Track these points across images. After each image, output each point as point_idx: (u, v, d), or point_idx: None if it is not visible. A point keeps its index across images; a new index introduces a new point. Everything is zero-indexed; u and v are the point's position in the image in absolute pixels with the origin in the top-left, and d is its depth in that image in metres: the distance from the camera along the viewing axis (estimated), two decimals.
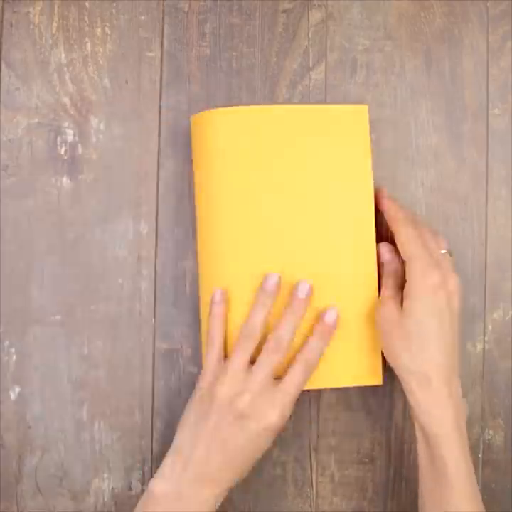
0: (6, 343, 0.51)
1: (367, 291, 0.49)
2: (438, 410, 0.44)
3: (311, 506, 0.52)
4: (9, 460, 0.51)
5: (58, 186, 0.52)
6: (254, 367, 0.46)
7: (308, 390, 0.52)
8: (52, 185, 0.52)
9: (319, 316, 0.48)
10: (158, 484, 0.45)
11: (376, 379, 0.49)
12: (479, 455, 0.52)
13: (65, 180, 0.52)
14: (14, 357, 0.51)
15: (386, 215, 0.49)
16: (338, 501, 0.52)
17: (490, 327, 0.52)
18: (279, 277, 0.47)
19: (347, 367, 0.49)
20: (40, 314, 0.51)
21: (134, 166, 0.52)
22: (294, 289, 0.48)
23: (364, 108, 0.49)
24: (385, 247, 0.49)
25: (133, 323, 0.52)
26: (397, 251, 0.48)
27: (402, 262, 0.47)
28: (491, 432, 0.52)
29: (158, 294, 0.52)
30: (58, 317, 0.52)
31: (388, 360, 0.47)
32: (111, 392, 0.52)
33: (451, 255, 0.48)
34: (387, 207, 0.49)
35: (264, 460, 0.52)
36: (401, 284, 0.47)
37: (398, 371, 0.46)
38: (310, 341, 0.47)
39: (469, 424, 0.52)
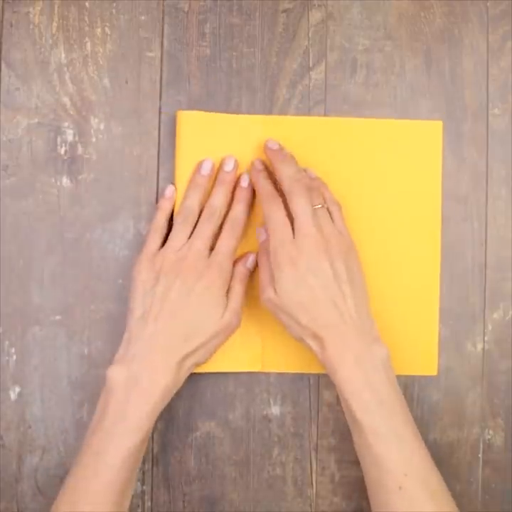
0: (6, 343, 0.51)
1: (428, 288, 0.51)
2: (338, 368, 0.45)
3: (311, 506, 0.52)
4: (9, 460, 0.51)
5: (58, 186, 0.52)
6: (192, 237, 0.48)
7: (309, 390, 0.52)
8: (52, 185, 0.52)
9: (237, 184, 0.51)
10: (113, 370, 0.46)
11: (431, 369, 0.51)
12: (479, 455, 0.52)
13: (65, 180, 0.52)
14: (14, 357, 0.51)
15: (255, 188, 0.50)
16: (338, 501, 0.52)
17: (490, 327, 0.52)
18: (213, 164, 0.50)
19: (404, 356, 0.51)
20: (40, 314, 0.51)
21: (134, 166, 0.52)
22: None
23: (438, 124, 0.51)
24: (260, 229, 0.50)
25: None
26: None
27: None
28: (491, 432, 0.52)
29: None
30: (58, 317, 0.52)
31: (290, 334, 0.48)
32: None
33: (331, 206, 0.48)
34: (255, 180, 0.50)
35: (264, 460, 0.52)
36: None
37: (301, 342, 0.47)
38: (232, 206, 0.50)
39: (469, 424, 0.52)
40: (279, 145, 0.50)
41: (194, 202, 0.49)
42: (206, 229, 0.48)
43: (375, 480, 0.44)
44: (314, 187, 0.48)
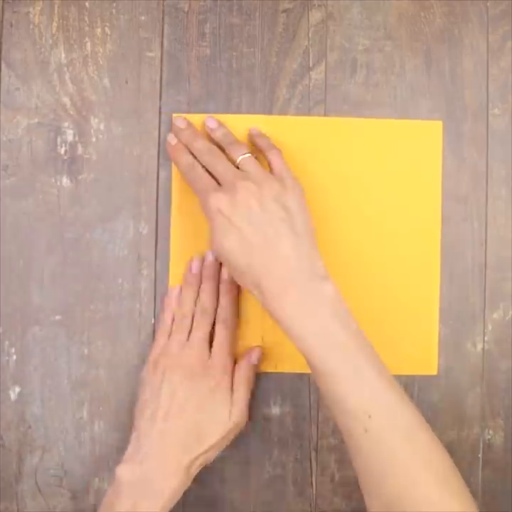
0: (6, 343, 0.51)
1: (428, 287, 0.51)
2: (279, 312, 0.43)
3: (311, 506, 0.52)
4: (9, 460, 0.51)
5: (58, 186, 0.52)
6: (190, 337, 0.49)
7: (309, 390, 0.52)
8: (52, 185, 0.52)
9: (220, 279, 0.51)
10: (123, 469, 0.45)
11: (431, 369, 0.51)
12: (479, 455, 0.52)
13: (65, 180, 0.52)
14: (14, 357, 0.51)
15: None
16: (338, 501, 0.52)
17: (490, 327, 0.52)
18: (202, 261, 0.51)
19: (404, 356, 0.51)
20: (40, 314, 0.51)
21: (134, 166, 0.52)
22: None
23: (438, 124, 0.52)
24: None
25: (133, 323, 0.52)
26: None
27: None
28: (491, 431, 0.52)
29: (158, 294, 0.52)
30: (58, 317, 0.52)
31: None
32: (111, 392, 0.52)
33: (268, 152, 0.48)
34: (173, 157, 0.50)
35: (264, 460, 0.52)
36: None
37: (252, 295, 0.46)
38: (220, 302, 0.50)
39: (469, 424, 0.52)
40: (187, 123, 0.50)
41: (187, 301, 0.50)
42: (202, 326, 0.49)
43: (343, 426, 0.42)
44: (232, 141, 0.48)
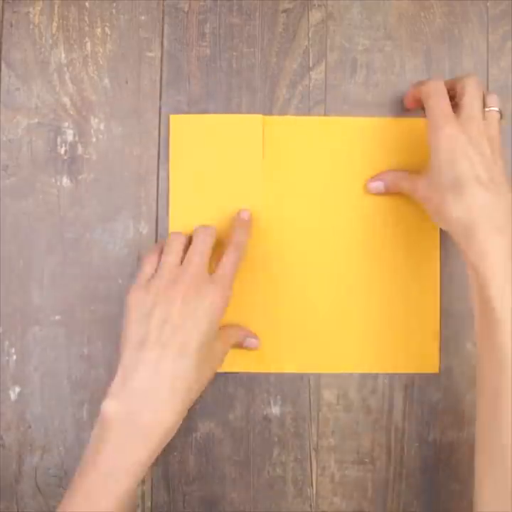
0: (6, 343, 0.51)
1: (429, 285, 0.51)
2: (486, 257, 0.42)
3: (311, 506, 0.52)
4: (9, 460, 0.51)
5: (58, 186, 0.52)
6: (188, 254, 0.46)
7: (309, 390, 0.52)
8: (52, 185, 0.52)
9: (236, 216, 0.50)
10: (109, 405, 0.41)
11: (433, 367, 0.51)
12: None
13: (65, 180, 0.52)
14: (14, 357, 0.51)
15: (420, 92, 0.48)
16: (338, 501, 0.52)
17: None
18: (214, 229, 0.48)
19: (405, 354, 0.51)
20: (40, 314, 0.51)
21: (134, 166, 0.52)
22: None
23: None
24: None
25: None
26: None
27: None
28: None
29: None
30: (58, 317, 0.52)
31: (436, 221, 0.46)
32: None
33: (501, 116, 0.47)
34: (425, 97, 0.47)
35: (264, 460, 0.52)
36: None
37: (446, 226, 0.45)
38: (233, 231, 0.49)
39: (469, 424, 0.52)
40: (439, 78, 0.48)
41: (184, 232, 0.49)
42: (203, 242, 0.46)
43: (494, 385, 0.40)
44: (491, 93, 0.47)
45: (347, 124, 0.52)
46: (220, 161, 0.52)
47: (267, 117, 0.52)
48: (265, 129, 0.51)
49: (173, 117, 0.52)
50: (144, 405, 0.41)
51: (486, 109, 0.46)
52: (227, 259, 0.47)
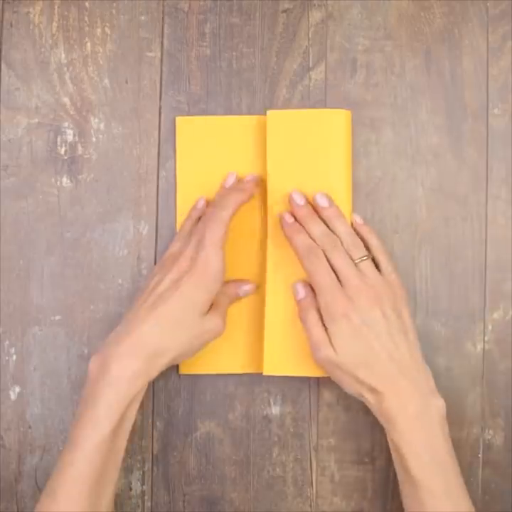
0: (6, 343, 0.51)
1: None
2: (397, 422, 0.45)
3: (311, 506, 0.52)
4: (9, 460, 0.51)
5: (58, 186, 0.52)
6: (191, 236, 0.48)
7: (309, 390, 0.52)
8: (52, 185, 0.52)
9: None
10: (91, 360, 0.45)
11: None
12: (479, 455, 0.52)
13: (65, 180, 0.52)
14: (14, 357, 0.51)
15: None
16: (338, 501, 0.52)
17: (490, 327, 0.52)
18: (206, 201, 0.51)
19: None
20: (40, 314, 0.51)
21: (134, 166, 0.52)
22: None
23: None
24: (297, 285, 0.49)
25: None
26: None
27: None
28: (491, 431, 0.52)
29: None
30: (58, 317, 0.52)
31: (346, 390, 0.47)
32: None
33: (379, 255, 0.48)
34: (289, 235, 0.49)
35: (263, 460, 0.52)
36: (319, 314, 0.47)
37: (357, 396, 0.47)
38: (224, 193, 0.49)
39: (469, 424, 0.52)
40: (304, 199, 0.50)
41: (187, 229, 0.50)
42: (206, 228, 0.47)
43: None
44: (354, 241, 0.48)
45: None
46: (225, 161, 0.52)
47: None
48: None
49: (178, 119, 0.52)
50: (112, 355, 0.44)
51: (356, 261, 0.47)
52: (208, 231, 0.46)
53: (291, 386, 0.52)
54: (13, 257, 0.52)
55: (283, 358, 0.51)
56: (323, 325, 0.46)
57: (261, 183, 0.51)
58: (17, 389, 0.51)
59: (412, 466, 0.44)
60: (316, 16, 0.53)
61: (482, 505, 0.52)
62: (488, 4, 0.53)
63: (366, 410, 0.52)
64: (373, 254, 0.48)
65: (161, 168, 0.52)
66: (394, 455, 0.46)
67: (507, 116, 0.53)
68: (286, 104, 0.52)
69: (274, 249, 0.51)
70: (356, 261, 0.47)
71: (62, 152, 0.52)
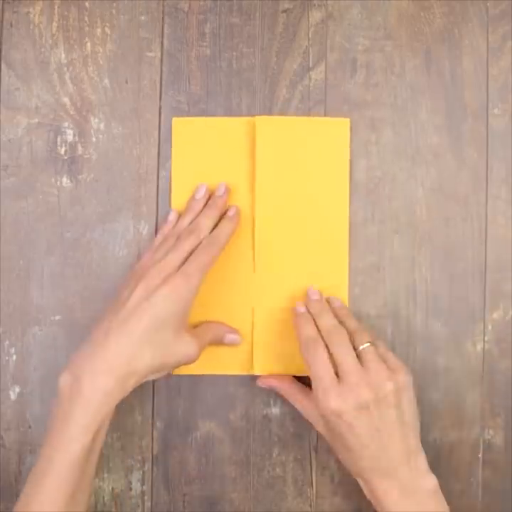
0: (6, 343, 0.51)
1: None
2: (382, 500, 0.45)
3: (311, 506, 0.52)
4: (9, 460, 0.51)
5: (58, 186, 0.52)
6: (169, 251, 0.47)
7: None
8: (52, 185, 0.52)
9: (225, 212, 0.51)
10: (61, 376, 0.43)
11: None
12: (479, 455, 0.52)
13: (65, 180, 0.52)
14: (14, 357, 0.51)
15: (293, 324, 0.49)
16: (338, 501, 0.52)
17: (490, 327, 0.52)
18: (207, 189, 0.51)
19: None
20: (40, 314, 0.51)
21: (134, 166, 0.52)
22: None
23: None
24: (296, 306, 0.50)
25: None
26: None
27: None
28: (491, 431, 0.52)
29: None
30: (58, 317, 0.52)
31: (340, 454, 0.47)
32: None
33: (376, 341, 0.47)
34: (295, 323, 0.49)
35: (264, 460, 0.52)
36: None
37: (357, 468, 0.46)
38: (217, 226, 0.49)
39: (469, 424, 0.52)
40: (320, 294, 0.50)
41: (184, 224, 0.50)
42: (184, 244, 0.47)
43: None
44: (358, 328, 0.47)
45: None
46: (221, 163, 0.52)
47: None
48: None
49: (175, 120, 0.52)
50: (84, 373, 0.43)
51: (360, 348, 0.46)
52: (199, 251, 0.47)
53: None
54: (13, 257, 0.52)
55: (273, 356, 0.51)
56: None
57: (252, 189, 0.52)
58: (17, 389, 0.51)
59: None
60: (316, 15, 0.53)
61: (482, 505, 0.52)
62: (488, 4, 0.53)
63: None
64: (376, 343, 0.47)
65: (161, 168, 0.52)
66: None
67: (507, 116, 0.53)
68: (286, 104, 0.52)
69: (261, 254, 0.51)
70: (360, 348, 0.46)
71: (62, 152, 0.52)
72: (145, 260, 0.48)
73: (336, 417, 0.44)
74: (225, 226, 0.49)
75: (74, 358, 0.44)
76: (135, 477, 0.52)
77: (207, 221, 0.49)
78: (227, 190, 0.51)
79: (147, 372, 0.44)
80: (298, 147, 0.51)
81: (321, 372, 0.45)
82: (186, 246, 0.47)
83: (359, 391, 0.44)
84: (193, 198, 0.51)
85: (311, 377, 0.46)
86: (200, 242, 0.47)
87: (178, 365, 0.46)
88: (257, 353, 0.51)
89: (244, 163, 0.52)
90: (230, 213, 0.50)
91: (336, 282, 0.52)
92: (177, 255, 0.46)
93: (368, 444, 0.44)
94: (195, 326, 0.50)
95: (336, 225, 0.52)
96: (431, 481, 0.45)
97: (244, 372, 0.52)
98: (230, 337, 0.50)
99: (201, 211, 0.50)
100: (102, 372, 0.43)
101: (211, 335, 0.49)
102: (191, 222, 0.49)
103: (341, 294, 0.52)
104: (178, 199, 0.52)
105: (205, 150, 0.52)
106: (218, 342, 0.50)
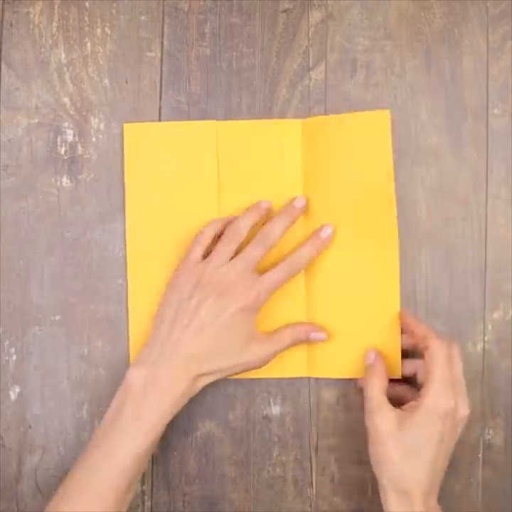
0: (6, 343, 0.51)
1: (388, 284, 0.50)
2: None
3: (311, 506, 0.52)
4: (9, 460, 0.51)
5: (58, 186, 0.52)
6: (236, 258, 0.47)
7: (309, 390, 0.52)
8: (52, 185, 0.52)
9: (314, 231, 0.50)
10: (132, 372, 0.45)
11: (396, 372, 0.49)
12: (479, 455, 0.52)
13: (65, 180, 0.52)
14: (14, 357, 0.51)
15: (415, 331, 0.48)
16: (338, 501, 0.52)
17: (490, 327, 0.52)
18: (271, 204, 0.50)
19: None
20: (40, 314, 0.51)
21: None
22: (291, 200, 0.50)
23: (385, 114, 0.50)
24: (371, 351, 0.49)
25: None
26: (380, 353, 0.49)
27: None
28: (491, 431, 0.52)
29: None
30: (58, 317, 0.52)
31: (372, 463, 0.46)
32: (111, 392, 0.51)
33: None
34: (415, 325, 0.49)
35: (264, 460, 0.52)
36: (386, 386, 0.47)
37: (381, 479, 0.45)
38: (300, 247, 0.49)
39: (469, 424, 0.52)
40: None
41: (245, 224, 0.48)
42: (253, 252, 0.47)
43: None
44: None
45: (296, 126, 0.51)
46: (176, 169, 0.51)
47: (221, 123, 0.51)
48: (220, 135, 0.51)
49: (126, 126, 0.51)
50: (164, 373, 0.45)
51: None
52: (279, 270, 0.47)
53: (291, 386, 0.52)
54: (13, 257, 0.52)
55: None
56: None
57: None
58: (17, 389, 0.51)
59: None
60: (316, 15, 0.53)
61: (482, 505, 0.52)
62: (488, 4, 0.53)
63: None
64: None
65: None
66: None
67: (507, 116, 0.53)
68: (286, 104, 0.52)
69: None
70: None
71: (62, 152, 0.52)
72: (204, 262, 0.47)
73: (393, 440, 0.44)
74: (308, 251, 0.49)
75: (143, 355, 0.46)
76: None
77: (277, 231, 0.48)
78: (306, 203, 0.50)
79: (215, 377, 0.47)
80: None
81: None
82: (256, 254, 0.47)
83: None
84: (258, 203, 0.50)
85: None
86: (266, 250, 0.47)
87: (245, 371, 0.48)
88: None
89: (201, 169, 0.51)
90: (323, 235, 0.49)
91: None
92: (244, 265, 0.47)
93: (432, 458, 0.45)
94: (274, 330, 0.49)
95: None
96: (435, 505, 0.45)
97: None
98: (314, 336, 0.50)
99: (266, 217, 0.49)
100: (179, 374, 0.45)
101: (292, 338, 0.49)
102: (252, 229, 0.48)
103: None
104: (133, 209, 0.51)
105: (159, 156, 0.51)
106: (302, 341, 0.50)
